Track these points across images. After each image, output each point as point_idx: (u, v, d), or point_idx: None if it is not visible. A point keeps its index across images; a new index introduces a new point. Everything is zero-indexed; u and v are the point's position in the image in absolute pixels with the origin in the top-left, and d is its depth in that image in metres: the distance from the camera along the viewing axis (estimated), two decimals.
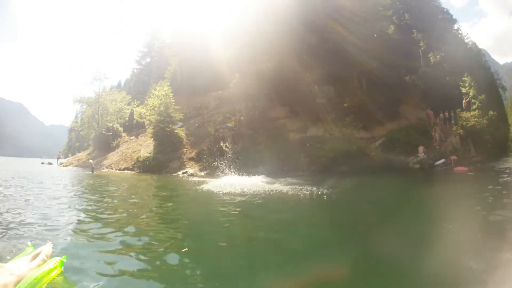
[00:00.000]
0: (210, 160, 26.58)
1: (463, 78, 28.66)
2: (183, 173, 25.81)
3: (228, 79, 32.34)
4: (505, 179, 15.31)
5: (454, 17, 35.04)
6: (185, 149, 30.18)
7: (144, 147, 33.90)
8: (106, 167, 33.15)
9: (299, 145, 25.86)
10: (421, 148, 23.77)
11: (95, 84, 49.62)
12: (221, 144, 26.49)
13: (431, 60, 29.33)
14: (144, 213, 9.31)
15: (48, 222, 7.16)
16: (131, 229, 6.99)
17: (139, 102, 49.09)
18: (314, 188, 13.94)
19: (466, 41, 34.36)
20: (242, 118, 29.23)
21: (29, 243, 4.86)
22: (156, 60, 62.46)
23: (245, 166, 24.25)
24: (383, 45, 28.67)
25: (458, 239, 6.18)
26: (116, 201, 11.41)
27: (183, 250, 5.42)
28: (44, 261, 4.10)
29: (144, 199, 12.89)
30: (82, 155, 47.89)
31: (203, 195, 13.59)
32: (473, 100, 27.99)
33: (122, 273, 4.45)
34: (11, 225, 6.75)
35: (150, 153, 30.75)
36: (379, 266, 5.03)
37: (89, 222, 7.51)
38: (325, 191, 13.33)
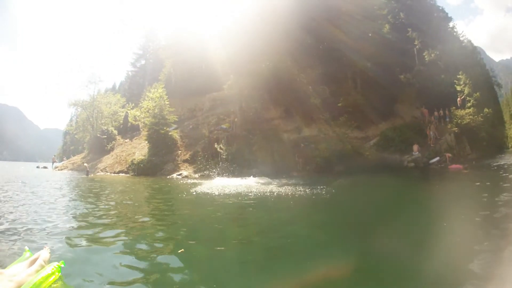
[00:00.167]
0: (204, 162, 26.46)
1: (458, 76, 28.58)
2: (177, 175, 25.64)
3: (223, 81, 32.29)
4: (500, 176, 15.29)
5: (449, 15, 35.05)
6: (180, 151, 30.05)
7: (139, 149, 33.71)
8: (101, 170, 32.90)
9: (294, 146, 25.80)
10: (415, 147, 23.68)
11: (90, 87, 49.33)
12: (216, 145, 26.35)
13: (426, 59, 29.25)
14: (140, 217, 9.26)
15: (45, 227, 7.13)
16: (127, 232, 7.04)
17: (133, 104, 48.85)
18: (309, 189, 13.95)
19: (461, 39, 34.44)
20: (236, 119, 29.11)
21: (27, 248, 4.81)
22: (151, 62, 62.42)
23: (239, 167, 24.19)
24: (378, 44, 28.66)
25: (455, 238, 6.20)
26: (111, 204, 11.29)
27: (180, 251, 5.50)
28: (42, 267, 4.10)
29: (139, 202, 12.79)
30: (77, 158, 47.56)
31: (197, 197, 13.48)
32: (468, 98, 27.92)
33: (120, 276, 4.46)
34: (8, 230, 6.72)
35: (144, 155, 30.53)
36: (378, 266, 5.02)
37: (85, 226, 7.50)
38: (320, 191, 13.30)
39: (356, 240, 6.50)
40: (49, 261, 4.34)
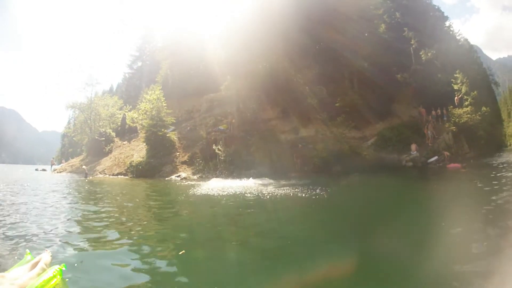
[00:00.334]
0: (202, 164, 26.47)
1: (455, 75, 28.56)
2: (176, 177, 25.62)
3: (220, 82, 32.23)
4: (498, 174, 15.27)
5: (445, 14, 35.11)
6: (178, 153, 30.05)
7: (137, 151, 33.68)
8: (100, 173, 32.86)
9: (292, 146, 25.76)
10: (413, 146, 23.67)
11: (87, 90, 49.40)
12: (214, 147, 26.29)
13: (423, 58, 29.28)
14: (140, 219, 9.33)
15: (46, 230, 7.13)
16: (128, 235, 7.05)
17: (131, 106, 48.92)
18: (308, 189, 13.93)
19: (458, 38, 34.53)
20: (234, 120, 29.07)
21: (28, 251, 4.85)
22: (148, 64, 62.55)
23: (237, 168, 24.18)
24: (374, 44, 28.68)
25: (454, 237, 6.25)
26: (111, 207, 11.33)
27: (181, 253, 5.56)
28: (44, 270, 4.14)
29: (139, 204, 12.75)
30: (75, 161, 47.47)
31: (196, 199, 13.53)
32: (465, 97, 27.90)
33: (121, 279, 4.48)
34: (8, 234, 6.71)
35: (143, 157, 30.52)
36: (378, 266, 5.04)
37: (85, 230, 7.53)
38: (318, 191, 13.30)
39: (356, 241, 6.50)
40: (51, 264, 4.37)
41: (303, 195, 12.78)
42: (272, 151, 25.04)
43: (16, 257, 5.01)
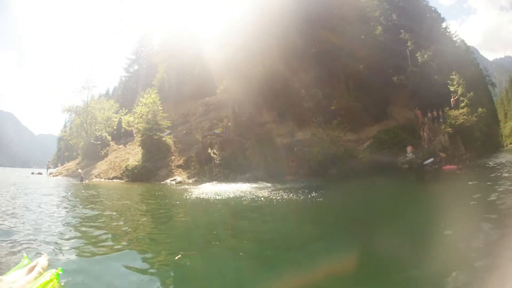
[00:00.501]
0: (198, 167, 26.40)
1: (451, 76, 28.56)
2: (171, 180, 25.57)
3: (215, 86, 32.30)
4: (494, 175, 15.35)
5: (442, 15, 35.02)
6: (173, 157, 30.04)
7: (133, 155, 33.58)
8: (95, 177, 32.75)
9: (287, 150, 25.68)
10: (409, 148, 23.60)
11: (84, 93, 49.19)
12: (209, 150, 26.18)
13: (419, 60, 29.27)
14: (136, 224, 9.34)
15: (42, 234, 7.16)
16: (123, 239, 7.11)
17: (127, 110, 48.95)
18: (303, 192, 14.12)
19: (454, 39, 34.44)
20: (229, 124, 29.00)
21: (25, 255, 4.88)
22: (144, 68, 62.63)
23: (233, 172, 24.10)
24: (370, 46, 28.69)
25: (452, 238, 6.26)
26: (106, 211, 11.39)
27: (177, 258, 5.54)
28: (41, 274, 4.17)
29: (134, 209, 12.72)
30: (71, 164, 47.30)
31: (191, 203, 13.54)
32: (461, 98, 27.88)
33: (117, 283, 4.58)
34: (6, 238, 6.72)
35: (138, 161, 30.44)
36: (377, 269, 5.09)
37: (82, 234, 7.55)
38: (314, 195, 13.44)
39: (355, 242, 6.54)
40: (47, 268, 4.39)
41: (299, 198, 12.89)
42: (268, 154, 24.98)
43: (13, 261, 5.02)
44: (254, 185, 19.01)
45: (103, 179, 31.39)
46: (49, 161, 54.13)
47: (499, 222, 6.99)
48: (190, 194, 15.92)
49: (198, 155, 27.69)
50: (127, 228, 8.54)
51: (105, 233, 7.56)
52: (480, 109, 27.15)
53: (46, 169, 47.58)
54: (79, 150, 50.52)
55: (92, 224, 8.67)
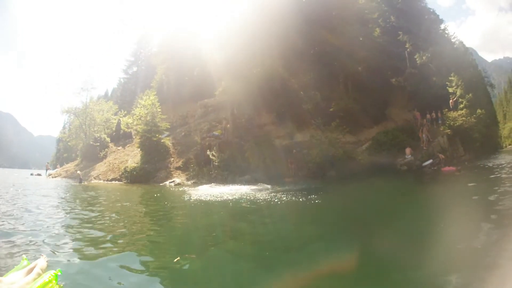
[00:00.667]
0: (197, 169, 26.41)
1: (450, 78, 28.55)
2: (170, 182, 25.55)
3: (214, 87, 32.28)
4: (492, 176, 15.38)
5: (440, 17, 35.02)
6: (172, 158, 30.00)
7: (132, 157, 33.55)
8: (94, 178, 32.71)
9: (286, 151, 25.73)
10: (408, 150, 23.59)
11: (83, 95, 49.16)
12: (208, 152, 26.20)
13: (418, 61, 29.30)
14: (134, 225, 9.35)
15: (41, 236, 7.15)
16: (122, 241, 7.17)
17: (126, 112, 48.91)
18: (302, 194, 14.12)
19: (453, 40, 34.37)
20: (228, 126, 28.99)
21: (24, 256, 4.88)
22: (143, 69, 62.73)
23: (232, 174, 24.11)
24: (369, 48, 28.77)
25: (451, 239, 6.24)
26: (105, 213, 11.33)
27: (175, 260, 5.54)
28: (39, 275, 4.18)
29: (133, 211, 12.69)
30: (70, 166, 47.26)
31: (190, 205, 13.51)
32: (460, 99, 27.87)
33: (117, 285, 4.60)
34: (5, 239, 6.72)
35: (137, 163, 30.41)
36: (377, 270, 5.10)
37: (81, 235, 7.53)
38: (313, 196, 13.53)
39: (354, 243, 6.55)
40: (46, 270, 4.40)
41: (298, 200, 12.91)
42: (267, 156, 25.01)
43: (12, 263, 5.05)
44: (253, 187, 19.02)
45: (102, 181, 31.33)
46: (48, 162, 53.95)
47: (499, 223, 7.02)
48: (189, 196, 15.91)
49: (197, 157, 27.69)
50: (126, 230, 8.53)
51: (104, 235, 7.56)
52: (479, 111, 27.11)
53: (45, 170, 47.56)
54: (78, 151, 50.51)
55: (91, 225, 8.65)
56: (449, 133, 25.09)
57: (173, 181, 25.71)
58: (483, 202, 9.36)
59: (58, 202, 14.47)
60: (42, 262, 4.50)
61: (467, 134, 25.53)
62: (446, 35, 33.83)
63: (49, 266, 4.59)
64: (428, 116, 26.87)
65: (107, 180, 31.06)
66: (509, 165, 19.40)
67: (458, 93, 28.15)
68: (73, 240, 6.95)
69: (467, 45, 40.65)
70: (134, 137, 39.12)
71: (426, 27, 31.45)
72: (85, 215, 10.54)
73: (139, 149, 32.20)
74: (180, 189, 21.07)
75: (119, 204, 14.30)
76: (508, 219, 7.25)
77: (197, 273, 5.33)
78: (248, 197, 14.09)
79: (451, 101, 27.86)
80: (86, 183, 28.93)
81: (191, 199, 14.69)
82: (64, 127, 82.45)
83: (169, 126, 34.25)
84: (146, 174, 28.44)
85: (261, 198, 13.81)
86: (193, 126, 35.65)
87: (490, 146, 31.31)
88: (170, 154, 30.81)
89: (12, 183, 26.77)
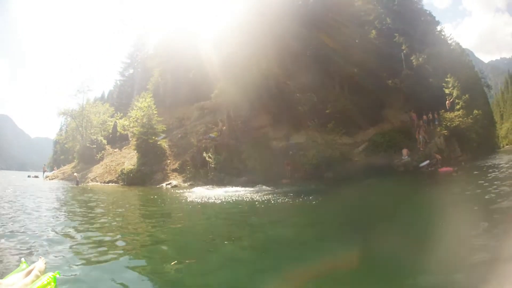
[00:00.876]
0: (193, 171, 26.36)
1: (446, 79, 28.60)
2: (167, 184, 25.43)
3: (210, 90, 32.31)
4: (489, 176, 15.32)
5: (437, 18, 35.13)
6: (169, 161, 29.90)
7: (128, 159, 33.43)
8: (91, 180, 32.59)
9: (283, 153, 25.74)
10: (405, 151, 23.62)
11: (79, 97, 49.00)
12: (204, 154, 26.15)
13: (414, 63, 29.41)
14: (131, 228, 9.40)
15: (39, 238, 7.17)
16: (120, 243, 7.15)
17: (122, 114, 48.87)
18: (299, 196, 14.19)
19: (449, 42, 34.49)
20: (224, 127, 28.95)
21: (23, 259, 4.97)
22: (139, 71, 62.70)
23: (228, 176, 24.09)
24: (365, 50, 28.78)
25: (450, 239, 6.22)
26: (102, 215, 11.33)
27: (172, 263, 5.57)
28: (38, 277, 4.20)
29: (131, 214, 12.66)
30: (67, 168, 47.10)
31: (187, 207, 13.60)
32: (457, 100, 27.91)
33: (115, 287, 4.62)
34: (3, 242, 6.73)
35: (134, 165, 30.26)
36: (377, 271, 5.13)
37: (79, 238, 7.53)
38: (310, 198, 13.49)
39: (354, 243, 6.60)
40: (45, 272, 4.41)
41: (295, 201, 13.02)
42: (263, 158, 25.00)
43: (11, 266, 5.08)
44: (249, 188, 19.00)
45: (98, 183, 31.21)
46: (45, 164, 54.10)
47: (498, 223, 7.01)
48: (185, 198, 15.92)
49: (193, 159, 27.61)
50: (123, 232, 8.50)
51: (101, 238, 7.53)
52: (475, 111, 27.15)
53: (42, 172, 47.50)
54: (75, 153, 50.19)
55: (88, 228, 8.65)
56: (445, 134, 25.10)
57: (170, 183, 25.60)
58: (481, 202, 9.36)
59: (56, 205, 14.44)
60: (40, 264, 4.51)
61: (464, 134, 25.55)
62: (442, 37, 33.93)
63: (47, 269, 4.60)
64: (424, 117, 26.90)
65: (104, 182, 30.94)
66: (506, 165, 19.44)
67: (454, 94, 28.19)
68: (70, 243, 6.90)
69: (463, 46, 40.94)
70: (130, 139, 39.11)
71: (422, 29, 31.53)
72: (82, 217, 10.51)
73: (135, 151, 32.06)
74: (177, 191, 20.98)
75: (116, 207, 14.25)
76: (507, 219, 7.26)
77: (195, 276, 5.30)
78: (244, 199, 14.12)
79: (447, 102, 27.87)
80: (82, 185, 28.84)
81: (188, 202, 14.72)
82: (60, 129, 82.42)
83: (165, 128, 34.17)
84: (142, 176, 28.27)
85: (258, 200, 13.80)
86: (190, 128, 35.56)
87: (488, 146, 31.41)
88: (166, 156, 30.70)
89: (10, 185, 26.73)
